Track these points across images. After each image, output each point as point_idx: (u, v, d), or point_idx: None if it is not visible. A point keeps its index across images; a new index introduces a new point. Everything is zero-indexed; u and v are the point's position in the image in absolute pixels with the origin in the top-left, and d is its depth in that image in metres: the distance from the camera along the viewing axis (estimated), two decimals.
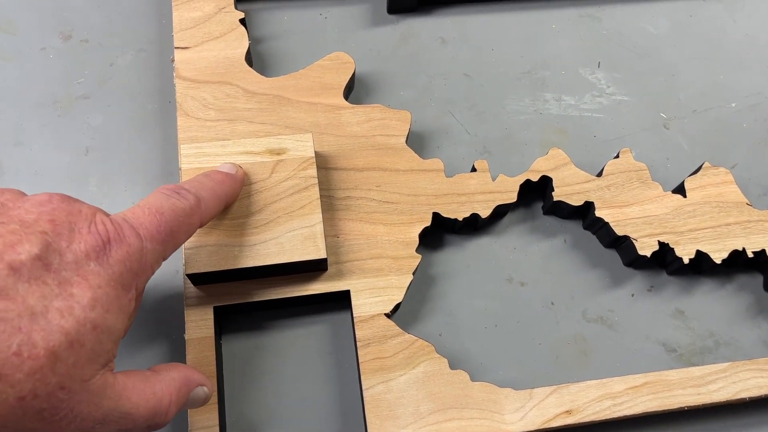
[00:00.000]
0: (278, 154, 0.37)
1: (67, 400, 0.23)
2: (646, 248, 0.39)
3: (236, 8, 0.44)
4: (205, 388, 0.31)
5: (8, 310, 0.22)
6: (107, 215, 0.27)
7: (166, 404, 0.28)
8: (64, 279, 0.24)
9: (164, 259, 0.29)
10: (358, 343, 0.36)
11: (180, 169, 0.36)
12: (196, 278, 0.35)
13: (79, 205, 0.26)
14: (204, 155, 0.37)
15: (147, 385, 0.27)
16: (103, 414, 0.25)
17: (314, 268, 0.37)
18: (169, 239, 0.28)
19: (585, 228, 0.42)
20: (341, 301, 0.38)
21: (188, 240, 0.32)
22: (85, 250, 0.25)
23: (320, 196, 0.39)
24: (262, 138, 0.37)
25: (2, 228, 0.23)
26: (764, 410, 0.38)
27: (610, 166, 0.41)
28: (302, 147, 0.37)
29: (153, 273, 0.28)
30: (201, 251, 0.34)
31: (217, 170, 0.35)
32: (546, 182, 0.41)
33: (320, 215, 0.36)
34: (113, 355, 0.26)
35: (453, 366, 0.37)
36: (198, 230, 0.35)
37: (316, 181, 0.36)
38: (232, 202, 0.35)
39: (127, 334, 0.37)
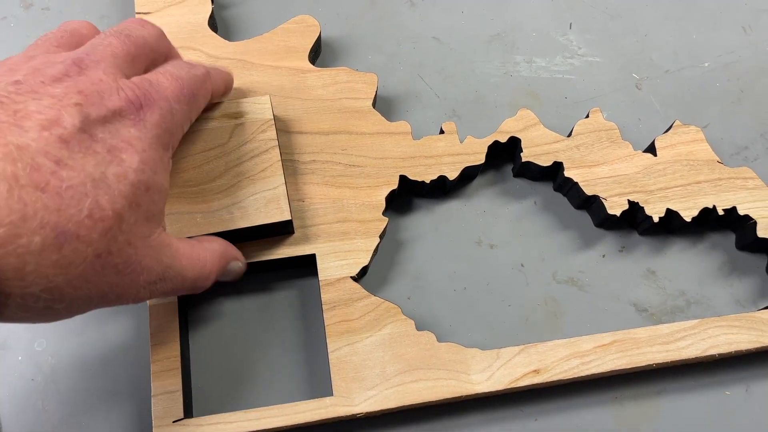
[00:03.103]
0: (236, 117, 0.36)
1: (134, 254, 0.25)
2: (615, 207, 0.39)
3: None
4: (239, 263, 0.34)
5: (72, 178, 0.23)
6: (125, 77, 0.27)
7: (209, 270, 0.31)
8: (112, 146, 0.25)
9: (191, 121, 0.31)
10: (323, 307, 0.36)
11: None
12: None
13: (92, 73, 0.26)
14: None
15: (193, 251, 0.30)
16: (163, 269, 0.27)
17: (281, 232, 0.36)
18: (193, 101, 0.30)
19: (555, 190, 0.42)
20: (307, 265, 0.38)
21: None
22: (121, 117, 0.26)
23: (285, 160, 0.39)
24: (217, 103, 0.37)
25: (38, 104, 0.23)
26: (735, 367, 0.38)
27: (580, 126, 0.41)
28: (260, 109, 0.37)
29: (183, 133, 0.30)
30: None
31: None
32: (515, 143, 0.41)
33: (282, 177, 0.35)
34: (163, 215, 0.28)
35: (421, 328, 0.36)
36: None
37: (276, 143, 0.36)
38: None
39: None
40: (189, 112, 0.30)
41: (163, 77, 0.29)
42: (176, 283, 0.29)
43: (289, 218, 0.35)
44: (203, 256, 0.30)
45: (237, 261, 0.34)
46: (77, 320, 0.37)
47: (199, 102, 0.31)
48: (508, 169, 0.42)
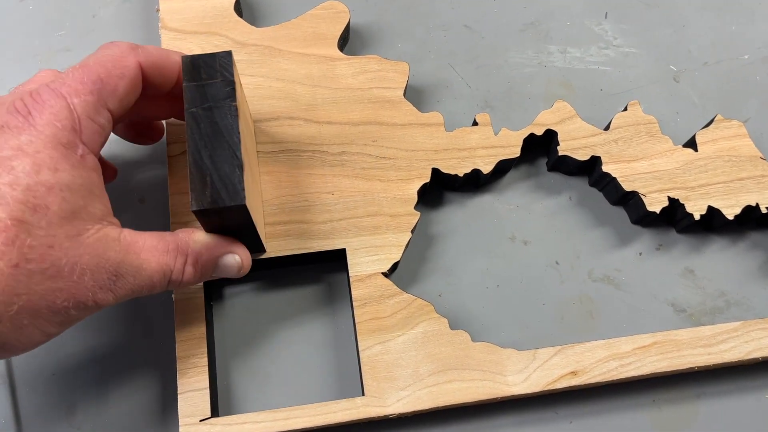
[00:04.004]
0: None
1: (63, 256, 0.25)
2: (655, 204, 0.37)
3: None
4: (237, 256, 0.31)
5: None
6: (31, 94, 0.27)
7: (181, 263, 0.29)
8: (2, 158, 0.24)
9: (109, 110, 0.28)
10: (354, 303, 0.35)
11: None
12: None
13: None
14: None
15: (160, 243, 0.28)
16: (114, 266, 0.26)
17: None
18: (100, 86, 0.27)
19: (591, 184, 0.40)
20: (337, 260, 0.37)
21: None
22: (10, 128, 0.25)
23: (314, 151, 0.37)
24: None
25: None
26: None
27: (618, 119, 0.39)
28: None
29: (100, 124, 0.27)
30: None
31: None
32: (551, 136, 0.39)
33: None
34: (102, 212, 0.27)
35: (454, 327, 0.35)
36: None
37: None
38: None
39: None
40: (97, 100, 0.27)
41: (69, 72, 0.28)
42: (138, 281, 0.27)
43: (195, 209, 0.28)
44: (173, 248, 0.29)
45: (232, 255, 0.31)
46: (99, 317, 0.36)
47: (111, 83, 0.28)
48: (542, 162, 0.41)
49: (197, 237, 0.30)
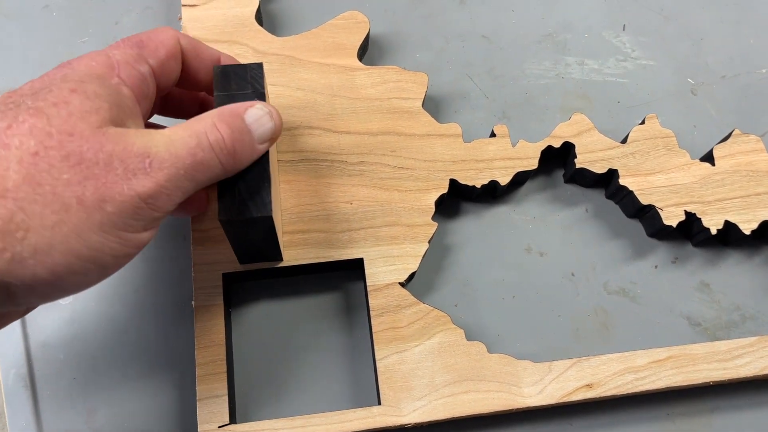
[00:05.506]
0: None
1: (84, 143, 0.24)
2: (672, 218, 0.37)
3: None
4: (258, 104, 0.29)
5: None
6: None
7: (209, 123, 0.27)
8: (32, 83, 0.26)
9: (150, 66, 0.29)
10: (371, 313, 0.35)
11: None
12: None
13: None
14: None
15: (181, 125, 0.27)
16: (141, 148, 0.25)
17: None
18: (140, 45, 0.29)
19: (607, 197, 0.41)
20: (354, 269, 0.37)
21: None
22: (49, 71, 0.27)
23: (333, 161, 0.38)
24: None
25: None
26: None
27: (635, 132, 0.39)
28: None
29: (140, 72, 0.28)
30: None
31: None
32: (568, 149, 0.39)
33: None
34: (133, 125, 0.27)
35: (469, 337, 0.35)
36: None
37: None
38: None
39: (135, 301, 0.36)
40: (137, 54, 0.28)
41: None
42: (174, 150, 0.26)
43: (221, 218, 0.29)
44: (195, 124, 0.27)
45: (252, 108, 0.29)
46: (118, 320, 0.36)
47: (152, 47, 0.29)
48: (559, 174, 0.41)
49: (211, 113, 0.28)
